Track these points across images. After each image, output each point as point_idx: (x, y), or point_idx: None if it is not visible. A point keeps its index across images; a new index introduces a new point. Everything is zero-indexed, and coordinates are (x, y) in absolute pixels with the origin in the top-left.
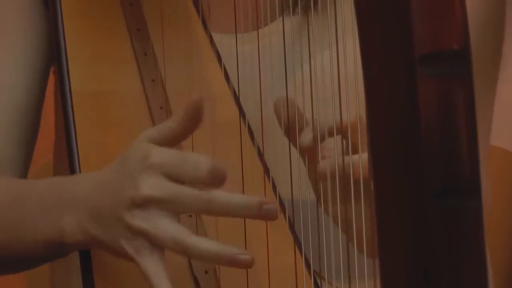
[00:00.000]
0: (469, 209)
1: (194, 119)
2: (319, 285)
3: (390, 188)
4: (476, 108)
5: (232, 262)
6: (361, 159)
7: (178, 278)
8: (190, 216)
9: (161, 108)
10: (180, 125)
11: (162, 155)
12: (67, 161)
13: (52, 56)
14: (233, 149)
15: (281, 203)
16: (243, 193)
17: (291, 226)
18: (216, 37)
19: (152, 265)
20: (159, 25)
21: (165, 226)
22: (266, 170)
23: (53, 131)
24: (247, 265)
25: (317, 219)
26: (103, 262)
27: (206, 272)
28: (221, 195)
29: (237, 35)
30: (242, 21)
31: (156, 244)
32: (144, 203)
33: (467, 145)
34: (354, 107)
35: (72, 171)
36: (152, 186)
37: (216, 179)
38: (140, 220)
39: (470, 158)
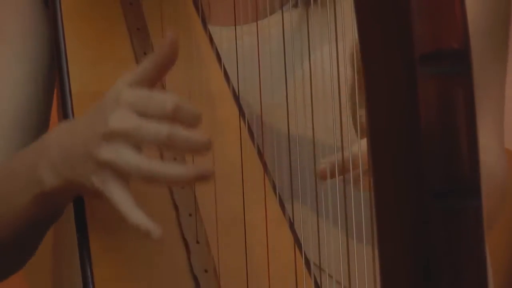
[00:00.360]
0: (469, 209)
1: (168, 57)
2: (319, 284)
3: (390, 187)
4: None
5: (196, 179)
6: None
7: (177, 278)
8: (190, 215)
9: None
10: (154, 63)
11: (132, 93)
12: None
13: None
14: (232, 148)
15: (281, 202)
16: (243, 193)
17: (291, 225)
18: (216, 29)
19: (118, 194)
20: (159, 24)
21: (129, 155)
22: (266, 170)
23: None
24: (208, 177)
25: (316, 214)
26: (98, 218)
27: (206, 271)
28: (181, 132)
29: (237, 27)
30: (241, 12)
31: (123, 174)
32: (111, 136)
33: (467, 145)
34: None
35: None
36: (119, 120)
37: (180, 116)
38: (106, 152)
39: (470, 158)
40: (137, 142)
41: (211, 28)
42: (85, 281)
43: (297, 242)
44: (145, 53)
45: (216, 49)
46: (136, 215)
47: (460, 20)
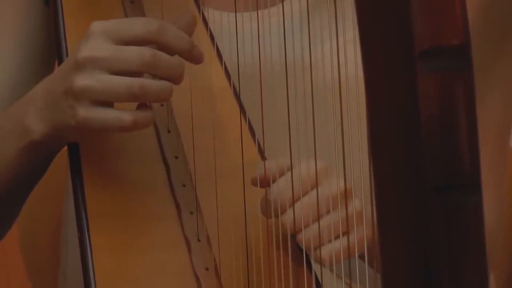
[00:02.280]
0: (469, 204)
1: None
2: (320, 281)
3: (391, 183)
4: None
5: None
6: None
7: (179, 276)
8: (191, 213)
9: (161, 105)
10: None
11: (103, 22)
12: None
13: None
14: (233, 146)
15: None
16: (244, 191)
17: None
18: (216, 14)
19: (104, 111)
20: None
21: (103, 77)
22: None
23: None
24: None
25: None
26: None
27: (207, 269)
28: (163, 57)
29: (238, 14)
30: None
31: (102, 98)
32: (83, 64)
33: (467, 140)
34: (354, 101)
35: (72, 166)
36: (90, 47)
37: (165, 39)
38: (80, 79)
39: (470, 153)
40: (115, 68)
41: (210, 11)
42: (86, 279)
43: (299, 238)
44: (132, 2)
45: (217, 46)
46: (142, 113)
47: (460, 16)
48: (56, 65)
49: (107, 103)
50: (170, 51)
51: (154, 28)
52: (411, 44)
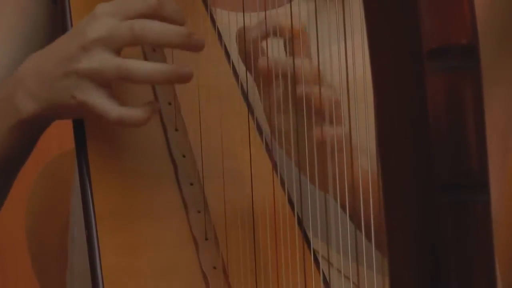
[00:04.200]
0: (477, 203)
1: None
2: (328, 279)
3: (399, 181)
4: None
5: (178, 75)
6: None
7: (187, 274)
8: (199, 212)
9: (169, 104)
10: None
11: (110, 4)
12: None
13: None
14: (240, 145)
15: (290, 199)
16: (252, 193)
17: (300, 222)
18: (223, 14)
19: (100, 100)
20: None
21: (107, 59)
22: (274, 165)
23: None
24: (187, 77)
25: (325, 207)
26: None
27: (215, 268)
28: (154, 23)
29: (246, 14)
30: (250, 1)
31: (103, 81)
32: (90, 46)
33: (475, 140)
34: (362, 100)
35: (80, 166)
36: (97, 28)
37: (164, 14)
38: (85, 62)
39: (478, 153)
40: (113, 45)
41: (218, 11)
42: (94, 277)
43: (306, 238)
44: (154, 50)
45: (225, 45)
46: (131, 110)
47: (468, 16)
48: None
49: (106, 86)
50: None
51: (153, 2)
52: (419, 44)
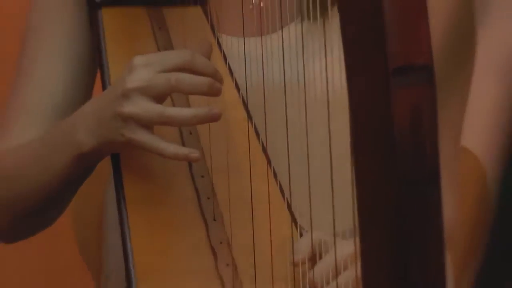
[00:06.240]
0: (431, 193)
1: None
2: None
3: (370, 177)
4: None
5: (210, 117)
6: None
7: (199, 248)
8: (208, 198)
9: None
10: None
11: (143, 57)
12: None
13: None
14: (242, 145)
15: (281, 187)
16: (251, 183)
17: (289, 206)
18: (228, 39)
19: (148, 137)
20: (182, 43)
21: (148, 106)
22: (269, 162)
23: None
24: (216, 117)
25: (309, 197)
26: (137, 197)
27: (221, 243)
28: (186, 76)
29: (246, 39)
30: (248, 27)
31: (145, 123)
32: (129, 93)
33: (430, 142)
34: (341, 110)
35: (114, 161)
36: (134, 79)
37: (196, 67)
38: (127, 107)
39: (432, 152)
40: (151, 93)
41: (223, 36)
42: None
43: (294, 220)
44: None
45: (229, 64)
46: (171, 147)
47: (425, 41)
48: (100, 82)
49: (149, 127)
50: (201, 75)
51: (188, 58)
52: (386, 63)
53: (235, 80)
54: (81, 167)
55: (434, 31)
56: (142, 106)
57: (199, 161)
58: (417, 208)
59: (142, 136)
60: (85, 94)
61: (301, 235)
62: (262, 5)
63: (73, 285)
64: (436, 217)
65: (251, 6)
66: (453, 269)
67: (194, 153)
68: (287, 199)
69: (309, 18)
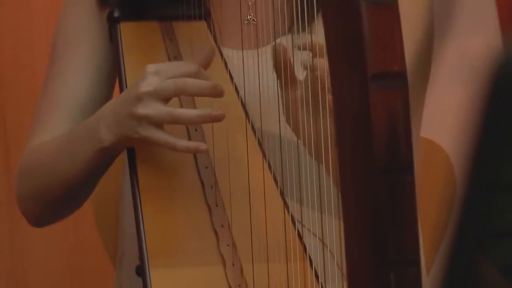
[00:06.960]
0: (405, 181)
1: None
2: (301, 235)
3: (350, 167)
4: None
5: (211, 118)
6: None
7: (203, 230)
8: (212, 187)
9: None
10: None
11: (155, 65)
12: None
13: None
14: (241, 141)
15: (275, 177)
16: (248, 174)
17: (281, 194)
18: (229, 51)
19: (161, 134)
20: (190, 53)
21: (159, 107)
22: (264, 155)
23: None
24: (219, 118)
25: (299, 186)
26: (151, 188)
27: (222, 226)
28: (191, 81)
29: (244, 51)
30: (246, 41)
31: (157, 122)
32: (142, 97)
33: (404, 136)
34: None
35: (129, 153)
36: (146, 84)
37: (202, 75)
38: (140, 108)
39: (406, 145)
40: (162, 96)
41: (225, 49)
42: (138, 228)
43: (286, 206)
44: None
45: (229, 71)
46: (182, 141)
47: (399, 50)
48: (117, 88)
49: (160, 125)
50: None
51: (193, 70)
52: (365, 70)
53: (235, 85)
54: (102, 160)
55: (405, 43)
56: (153, 108)
57: (206, 152)
58: (393, 193)
59: (154, 133)
60: (106, 96)
61: (292, 220)
62: (254, 21)
63: (95, 265)
64: (410, 200)
65: (246, 22)
66: (425, 245)
67: (202, 146)
68: (280, 187)
69: (298, 32)
